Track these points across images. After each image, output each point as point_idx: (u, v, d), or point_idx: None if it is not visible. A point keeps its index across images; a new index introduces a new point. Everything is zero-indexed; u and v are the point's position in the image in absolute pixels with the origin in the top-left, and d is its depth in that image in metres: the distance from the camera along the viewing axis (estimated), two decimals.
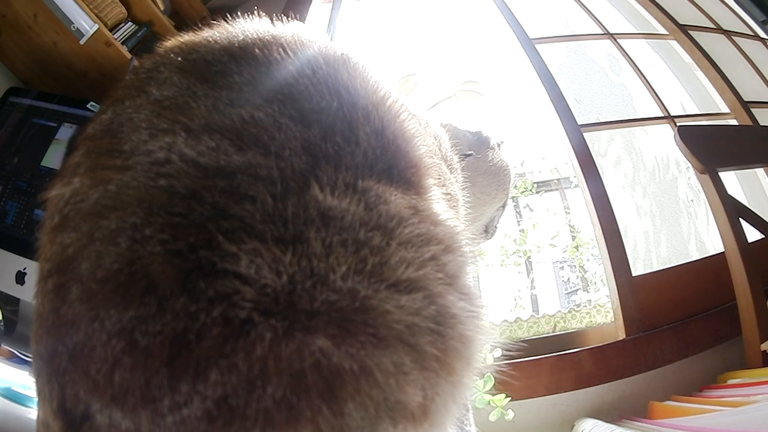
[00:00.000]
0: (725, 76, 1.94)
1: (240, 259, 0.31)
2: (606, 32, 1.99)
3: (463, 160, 0.81)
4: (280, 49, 0.43)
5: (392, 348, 0.31)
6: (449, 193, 0.61)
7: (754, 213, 1.21)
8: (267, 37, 0.44)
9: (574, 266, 2.29)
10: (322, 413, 0.29)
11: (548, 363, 1.25)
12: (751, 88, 1.96)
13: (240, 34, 0.44)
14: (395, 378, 0.31)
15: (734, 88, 1.91)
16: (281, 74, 0.41)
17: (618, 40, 1.98)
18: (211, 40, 0.44)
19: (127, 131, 0.36)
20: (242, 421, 0.28)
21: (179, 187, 0.33)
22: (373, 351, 0.31)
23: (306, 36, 0.46)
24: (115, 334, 0.29)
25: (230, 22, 0.47)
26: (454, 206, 0.64)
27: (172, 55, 0.43)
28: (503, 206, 0.97)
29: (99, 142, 0.38)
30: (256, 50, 0.42)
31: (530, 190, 2.29)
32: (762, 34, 2.15)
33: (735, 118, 1.87)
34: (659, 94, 1.88)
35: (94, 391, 0.30)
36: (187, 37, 0.46)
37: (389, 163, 0.41)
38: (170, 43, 0.46)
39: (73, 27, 1.33)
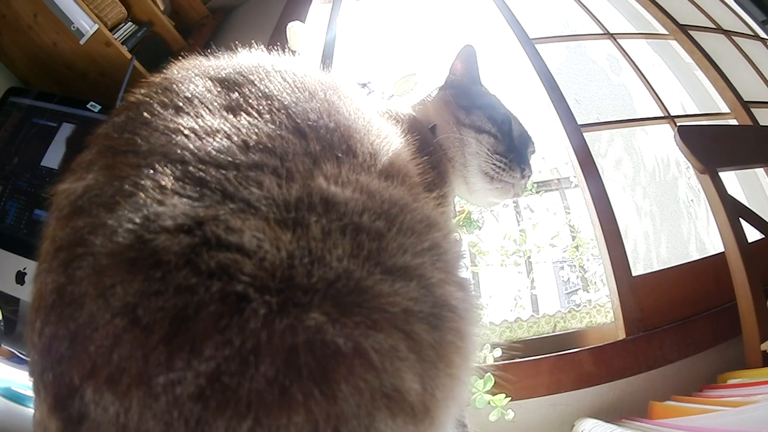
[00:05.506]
0: (725, 76, 1.94)
1: (243, 233, 0.32)
2: (606, 32, 1.99)
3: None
4: (281, 77, 0.48)
5: (386, 332, 0.32)
6: (443, 195, 0.63)
7: (754, 213, 1.21)
8: (268, 66, 0.49)
9: (574, 266, 2.28)
10: (314, 397, 0.29)
11: (548, 363, 1.25)
12: (751, 88, 1.96)
13: (244, 60, 0.50)
14: (390, 361, 0.31)
15: (734, 88, 1.91)
16: (283, 95, 0.45)
17: (618, 40, 1.98)
18: (219, 61, 0.49)
19: (144, 134, 0.39)
20: (235, 404, 0.28)
21: (192, 176, 0.35)
22: (367, 331, 0.31)
23: (300, 67, 0.51)
24: (119, 312, 0.30)
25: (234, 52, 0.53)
26: (448, 205, 0.67)
27: (183, 68, 0.47)
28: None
29: (115, 142, 0.40)
30: (262, 73, 0.47)
31: (530, 191, 2.29)
32: (762, 34, 2.15)
33: (735, 118, 1.87)
34: (659, 94, 1.88)
35: (91, 374, 0.30)
36: (195, 57, 0.51)
37: (387, 169, 0.45)
38: (180, 56, 0.52)
39: (73, 27, 1.33)
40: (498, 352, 1.12)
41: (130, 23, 1.54)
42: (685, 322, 1.31)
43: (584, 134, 1.57)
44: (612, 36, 1.98)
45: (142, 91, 0.45)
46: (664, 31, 2.10)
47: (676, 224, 1.90)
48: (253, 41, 0.56)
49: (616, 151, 1.95)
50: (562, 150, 1.66)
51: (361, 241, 0.35)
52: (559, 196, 2.80)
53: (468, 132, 0.79)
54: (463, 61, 0.87)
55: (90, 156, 0.40)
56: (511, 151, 0.79)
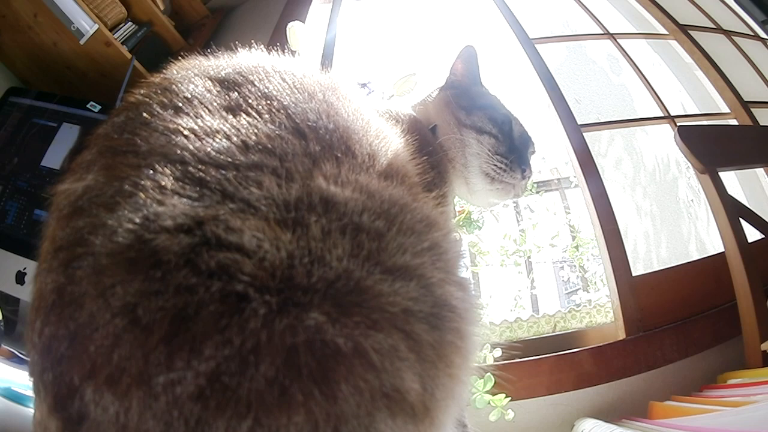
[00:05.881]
0: (725, 76, 1.94)
1: (243, 233, 0.32)
2: (606, 32, 1.99)
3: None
4: (281, 78, 0.48)
5: (386, 331, 0.32)
6: (443, 195, 0.64)
7: (754, 213, 1.21)
8: (267, 66, 0.49)
9: (574, 266, 2.28)
10: (314, 397, 0.29)
11: (548, 363, 1.25)
12: (751, 88, 1.96)
13: (244, 60, 0.50)
14: (390, 361, 0.31)
15: (734, 88, 1.91)
16: (282, 95, 0.45)
17: (618, 40, 1.98)
18: (219, 61, 0.50)
19: (144, 134, 0.39)
20: (235, 404, 0.28)
21: (192, 176, 0.35)
22: (367, 331, 0.31)
23: (299, 68, 0.51)
24: (119, 312, 0.30)
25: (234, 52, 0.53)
26: (447, 205, 0.68)
27: (183, 68, 0.48)
28: None
29: (115, 142, 0.40)
30: (261, 73, 0.47)
31: (530, 191, 2.29)
32: (762, 34, 2.15)
33: (735, 118, 1.87)
34: (659, 94, 1.88)
35: (91, 374, 0.30)
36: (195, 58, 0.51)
37: (387, 169, 0.45)
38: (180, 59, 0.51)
39: (73, 27, 1.33)
40: (498, 352, 1.12)
41: (130, 23, 1.54)
42: (685, 322, 1.31)
43: (584, 134, 1.57)
44: (612, 36, 1.98)
45: (142, 91, 0.45)
46: (664, 31, 2.10)
47: (676, 224, 1.90)
48: (253, 41, 0.56)
49: (616, 151, 1.95)
50: (562, 150, 1.66)
51: (361, 240, 0.35)
52: (559, 196, 2.80)
53: (469, 133, 0.79)
54: (464, 61, 0.87)
55: (90, 156, 0.40)
56: (511, 152, 0.79)
